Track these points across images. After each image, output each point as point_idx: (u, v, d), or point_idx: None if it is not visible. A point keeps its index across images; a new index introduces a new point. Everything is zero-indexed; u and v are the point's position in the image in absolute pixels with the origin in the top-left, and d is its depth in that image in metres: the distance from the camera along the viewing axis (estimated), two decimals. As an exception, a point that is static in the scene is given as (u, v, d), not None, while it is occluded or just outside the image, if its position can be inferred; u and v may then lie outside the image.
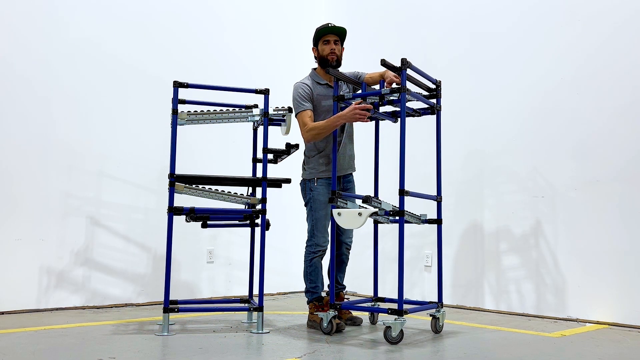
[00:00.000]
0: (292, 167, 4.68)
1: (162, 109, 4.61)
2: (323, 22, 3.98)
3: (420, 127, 4.46)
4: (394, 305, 3.30)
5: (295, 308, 4.64)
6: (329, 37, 3.77)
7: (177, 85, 3.59)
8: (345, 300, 3.99)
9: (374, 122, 3.98)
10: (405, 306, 3.29)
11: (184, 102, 3.72)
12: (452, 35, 4.97)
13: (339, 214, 3.36)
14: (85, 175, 4.49)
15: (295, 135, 4.26)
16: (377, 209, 3.28)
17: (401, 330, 3.21)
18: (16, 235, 4.17)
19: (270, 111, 3.77)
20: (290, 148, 3.91)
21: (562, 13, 4.30)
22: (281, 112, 3.81)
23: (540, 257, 4.29)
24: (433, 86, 3.74)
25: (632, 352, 3.14)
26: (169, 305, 3.48)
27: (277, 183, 3.83)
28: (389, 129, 4.44)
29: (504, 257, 4.49)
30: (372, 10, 5.68)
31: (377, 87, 3.94)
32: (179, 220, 3.84)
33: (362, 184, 4.12)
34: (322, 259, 3.78)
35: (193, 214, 3.55)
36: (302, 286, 4.25)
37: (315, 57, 3.88)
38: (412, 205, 3.87)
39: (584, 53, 4.17)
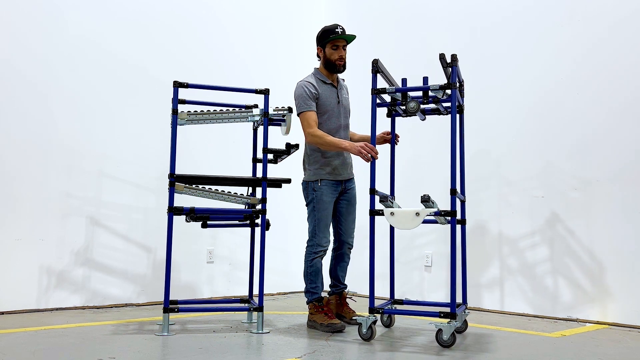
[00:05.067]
0: (292, 167, 4.68)
1: (162, 109, 4.61)
2: (323, 20, 3.97)
3: (422, 128, 4.45)
4: (418, 308, 3.22)
5: (295, 308, 4.64)
6: (339, 43, 3.73)
7: (177, 85, 3.59)
8: (348, 299, 3.97)
9: (389, 119, 3.93)
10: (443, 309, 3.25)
11: (184, 102, 3.72)
12: (451, 35, 4.96)
13: (391, 213, 3.25)
14: (85, 175, 4.49)
15: (295, 135, 4.26)
16: (435, 209, 3.20)
17: (453, 333, 3.13)
18: (16, 235, 4.17)
19: (270, 111, 3.77)
20: (290, 148, 3.91)
21: (561, 12, 4.30)
22: (281, 112, 3.81)
23: (540, 257, 4.29)
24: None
25: (632, 352, 3.14)
26: (169, 305, 3.48)
27: (277, 183, 3.83)
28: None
29: (504, 258, 4.49)
30: (371, 9, 5.67)
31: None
32: (179, 220, 3.85)
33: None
34: (322, 259, 3.78)
35: (193, 214, 3.55)
36: (302, 286, 4.25)
37: (318, 56, 3.83)
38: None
39: (584, 52, 4.17)
